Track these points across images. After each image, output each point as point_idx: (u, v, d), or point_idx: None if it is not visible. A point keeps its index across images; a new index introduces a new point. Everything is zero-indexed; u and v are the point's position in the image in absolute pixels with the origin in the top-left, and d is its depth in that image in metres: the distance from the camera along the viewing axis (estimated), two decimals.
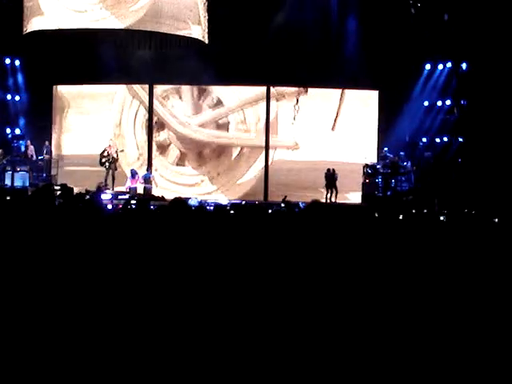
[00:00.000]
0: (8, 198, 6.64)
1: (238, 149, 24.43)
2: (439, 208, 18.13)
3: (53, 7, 21.56)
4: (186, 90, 24.62)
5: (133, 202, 14.80)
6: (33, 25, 22.15)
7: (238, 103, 24.38)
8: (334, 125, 24.15)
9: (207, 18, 22.83)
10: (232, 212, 7.21)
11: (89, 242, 5.50)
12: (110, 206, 17.26)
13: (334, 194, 22.64)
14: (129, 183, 22.86)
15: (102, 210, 7.60)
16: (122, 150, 23.80)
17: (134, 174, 23.02)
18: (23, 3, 22.30)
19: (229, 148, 24.48)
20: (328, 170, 22.72)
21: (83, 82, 24.24)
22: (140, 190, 22.61)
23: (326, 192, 22.62)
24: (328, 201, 22.23)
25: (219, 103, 24.50)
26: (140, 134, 24.74)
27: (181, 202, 6.16)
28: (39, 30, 22.22)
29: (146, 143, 24.59)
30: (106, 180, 22.83)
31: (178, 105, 24.63)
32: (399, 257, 5.71)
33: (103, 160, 22.92)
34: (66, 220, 5.82)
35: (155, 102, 24.52)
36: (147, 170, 23.53)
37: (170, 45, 22.09)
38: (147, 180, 23.07)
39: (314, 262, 5.30)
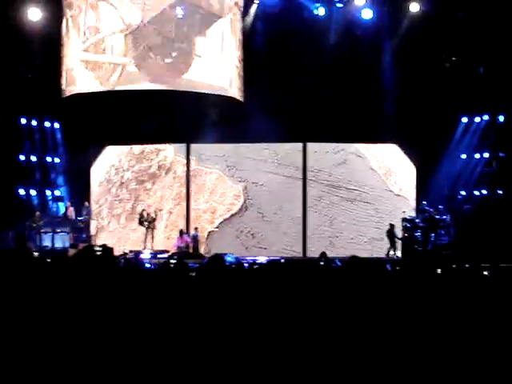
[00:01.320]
0: (49, 259, 6.67)
1: None
2: (480, 262, 17.90)
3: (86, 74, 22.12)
4: None
5: (172, 261, 14.82)
6: (71, 88, 22.63)
7: None
8: None
9: (243, 76, 23.20)
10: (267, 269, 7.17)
11: (129, 302, 5.52)
12: (148, 265, 17.29)
13: (392, 248, 22.65)
14: (177, 242, 23.02)
15: (141, 269, 7.63)
16: (161, 209, 23.92)
17: (182, 233, 23.19)
18: (61, 68, 22.81)
19: None
20: (390, 225, 22.82)
21: (121, 143, 24.52)
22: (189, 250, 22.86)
23: (388, 246, 22.68)
24: (389, 255, 22.32)
25: None
26: None
27: (218, 259, 6.18)
28: (76, 94, 22.70)
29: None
30: (145, 239, 22.99)
31: None
32: (442, 312, 5.64)
33: (142, 220, 23.10)
34: (107, 280, 5.84)
35: None
36: (195, 230, 23.60)
37: (207, 104, 22.44)
38: (195, 239, 23.20)
39: (356, 317, 5.26)
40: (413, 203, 23.87)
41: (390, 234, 22.79)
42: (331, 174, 23.96)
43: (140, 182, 24.64)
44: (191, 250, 22.93)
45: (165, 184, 24.52)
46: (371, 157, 24.10)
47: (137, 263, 10.98)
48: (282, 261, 14.44)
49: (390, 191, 24.00)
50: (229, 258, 19.93)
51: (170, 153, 24.60)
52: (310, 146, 23.98)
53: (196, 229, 23.62)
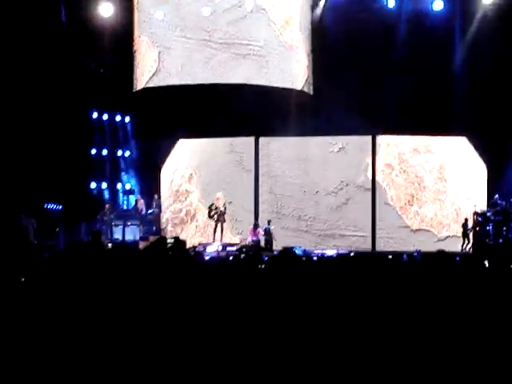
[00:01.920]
0: (121, 251, 6.75)
1: None
2: None
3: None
4: None
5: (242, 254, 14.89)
6: (142, 82, 22.90)
7: None
8: None
9: (311, 69, 23.15)
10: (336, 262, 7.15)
11: (200, 294, 5.55)
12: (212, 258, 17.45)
13: (466, 244, 22.37)
14: (250, 236, 23.01)
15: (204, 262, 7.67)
16: (231, 202, 23.93)
17: (255, 226, 23.15)
18: (133, 63, 23.10)
19: None
20: (464, 219, 22.59)
21: (191, 136, 24.64)
22: (262, 243, 22.82)
23: (462, 241, 22.45)
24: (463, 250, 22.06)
25: None
26: None
27: (288, 251, 6.19)
28: (148, 88, 22.94)
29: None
30: (214, 232, 23.10)
31: None
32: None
33: (212, 213, 23.16)
34: (178, 272, 5.88)
35: None
36: (268, 223, 23.53)
37: (276, 97, 22.45)
38: (268, 232, 23.16)
39: (430, 310, 5.24)
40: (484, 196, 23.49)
41: (464, 227, 22.54)
42: None
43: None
44: (263, 244, 22.81)
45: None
46: (440, 151, 23.90)
47: (199, 257, 11.02)
48: (352, 254, 14.37)
49: None
50: (297, 251, 19.94)
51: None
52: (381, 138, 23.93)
53: (269, 222, 23.50)
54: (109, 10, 23.80)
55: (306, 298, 5.47)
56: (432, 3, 23.62)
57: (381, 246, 23.28)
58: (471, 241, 22.35)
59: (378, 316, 5.22)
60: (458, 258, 6.71)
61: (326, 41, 23.55)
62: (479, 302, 5.52)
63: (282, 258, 6.20)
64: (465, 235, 22.44)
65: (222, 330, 5.15)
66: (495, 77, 22.59)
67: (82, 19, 23.21)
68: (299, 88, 23.21)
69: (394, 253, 14.60)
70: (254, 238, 22.77)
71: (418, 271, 6.19)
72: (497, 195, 22.77)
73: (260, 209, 24.33)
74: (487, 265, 7.39)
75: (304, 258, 7.51)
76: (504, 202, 22.35)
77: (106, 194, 25.31)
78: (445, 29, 23.52)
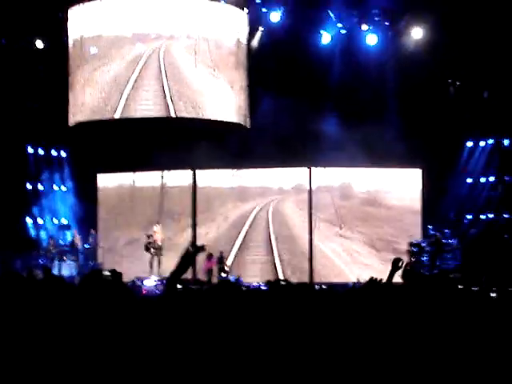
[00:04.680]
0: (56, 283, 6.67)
1: None
2: (487, 285, 17.85)
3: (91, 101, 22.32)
4: None
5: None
6: (77, 117, 22.77)
7: None
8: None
9: (248, 103, 23.32)
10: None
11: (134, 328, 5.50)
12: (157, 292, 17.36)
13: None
14: (205, 265, 22.78)
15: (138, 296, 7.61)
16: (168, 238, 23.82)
17: (210, 256, 22.84)
18: (68, 97, 22.99)
19: None
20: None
21: (125, 170, 24.55)
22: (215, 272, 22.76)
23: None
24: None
25: None
26: None
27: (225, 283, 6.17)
28: (84, 122, 22.83)
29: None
30: (150, 265, 22.93)
31: None
32: (449, 334, 5.64)
33: (149, 246, 23.04)
34: (116, 305, 5.82)
35: None
36: (220, 252, 23.25)
37: (212, 131, 22.52)
38: (221, 261, 22.95)
39: (364, 343, 5.27)
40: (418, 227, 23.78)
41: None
42: None
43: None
44: (217, 272, 22.70)
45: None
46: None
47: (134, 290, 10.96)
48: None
49: None
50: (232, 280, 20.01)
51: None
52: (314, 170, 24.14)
53: (221, 252, 23.27)
54: (43, 44, 23.76)
55: (249, 329, 5.47)
56: (365, 38, 24.02)
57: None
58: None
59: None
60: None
61: (262, 75, 23.78)
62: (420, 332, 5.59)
63: (217, 289, 6.18)
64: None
65: (161, 364, 5.11)
66: (428, 109, 23.00)
67: (16, 52, 23.12)
68: (236, 121, 23.33)
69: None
70: (209, 268, 22.63)
71: (352, 300, 6.23)
72: (430, 226, 23.10)
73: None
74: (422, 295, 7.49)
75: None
76: (438, 233, 22.67)
77: (42, 229, 25.03)
78: (378, 63, 23.92)
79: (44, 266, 16.39)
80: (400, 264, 7.12)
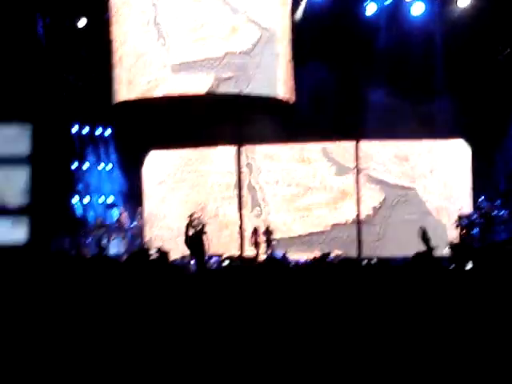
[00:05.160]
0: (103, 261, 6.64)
1: None
2: None
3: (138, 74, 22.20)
4: None
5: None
6: (120, 95, 22.74)
7: None
8: None
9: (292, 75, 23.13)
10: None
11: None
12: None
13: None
14: (250, 238, 22.72)
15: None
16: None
17: (255, 230, 22.72)
18: (111, 74, 22.96)
19: None
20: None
21: (174, 146, 24.43)
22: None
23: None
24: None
25: None
26: None
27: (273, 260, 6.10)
28: (128, 100, 22.80)
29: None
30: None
31: None
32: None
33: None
34: (162, 284, 5.76)
35: None
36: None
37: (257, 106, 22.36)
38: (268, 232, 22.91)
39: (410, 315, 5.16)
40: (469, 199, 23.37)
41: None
42: None
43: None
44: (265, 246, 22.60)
45: None
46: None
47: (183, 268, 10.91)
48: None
49: None
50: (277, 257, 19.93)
51: None
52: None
53: (268, 225, 23.19)
54: (85, 22, 23.76)
55: (294, 306, 5.37)
56: (410, 8, 23.73)
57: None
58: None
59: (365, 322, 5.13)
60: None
61: (306, 47, 23.55)
62: (464, 306, 5.46)
63: (267, 266, 6.10)
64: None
65: (211, 340, 5.04)
66: (477, 78, 22.66)
67: (59, 32, 23.15)
68: (281, 95, 23.11)
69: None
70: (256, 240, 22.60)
71: (400, 276, 6.12)
72: (482, 197, 22.74)
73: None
74: (469, 268, 7.31)
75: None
76: (489, 204, 22.31)
77: (88, 208, 25.16)
78: (425, 32, 23.61)
79: (100, 245, 16.46)
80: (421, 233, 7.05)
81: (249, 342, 4.99)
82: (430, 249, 6.91)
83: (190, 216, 22.62)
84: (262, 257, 21.99)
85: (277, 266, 6.00)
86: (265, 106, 22.96)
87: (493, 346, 5.03)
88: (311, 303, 5.35)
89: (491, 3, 22.75)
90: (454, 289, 5.79)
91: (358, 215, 23.39)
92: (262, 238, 22.68)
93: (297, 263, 13.74)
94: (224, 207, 24.23)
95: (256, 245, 22.59)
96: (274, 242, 22.77)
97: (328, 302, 5.38)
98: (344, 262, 6.17)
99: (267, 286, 5.66)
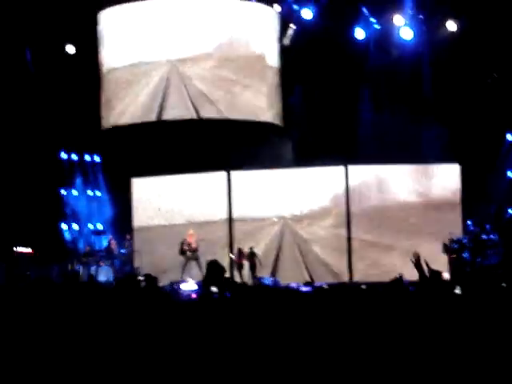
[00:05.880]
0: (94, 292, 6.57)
1: None
2: None
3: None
4: None
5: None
6: (109, 120, 22.73)
7: None
8: None
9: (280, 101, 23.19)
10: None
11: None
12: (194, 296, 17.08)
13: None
14: (235, 260, 22.62)
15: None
16: (202, 240, 23.57)
17: (239, 251, 22.67)
18: (100, 101, 23.00)
19: None
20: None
21: (160, 173, 24.34)
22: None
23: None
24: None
25: None
26: None
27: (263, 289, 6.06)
28: (117, 126, 22.81)
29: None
30: (183, 269, 22.61)
31: None
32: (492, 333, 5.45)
33: (183, 249, 22.75)
34: (150, 309, 5.70)
35: None
36: (250, 248, 23.08)
37: (246, 131, 22.39)
38: (250, 256, 22.79)
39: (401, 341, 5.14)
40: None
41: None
42: None
43: None
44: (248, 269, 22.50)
45: None
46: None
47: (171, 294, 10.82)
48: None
49: None
50: (267, 282, 19.83)
51: None
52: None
53: (251, 247, 23.04)
54: (73, 49, 23.89)
55: (282, 331, 5.32)
56: (399, 32, 23.84)
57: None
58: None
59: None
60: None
61: (294, 73, 23.66)
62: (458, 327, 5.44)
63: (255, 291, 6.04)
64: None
65: (200, 366, 4.98)
66: (466, 102, 22.76)
67: (47, 59, 23.20)
68: (269, 120, 23.15)
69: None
70: (240, 262, 22.50)
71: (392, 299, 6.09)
72: (469, 222, 22.71)
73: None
74: (459, 292, 7.28)
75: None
76: (478, 228, 22.29)
77: (77, 235, 25.11)
78: (414, 57, 23.74)
79: (74, 272, 16.36)
80: (415, 259, 7.06)
81: (239, 369, 4.93)
82: (423, 274, 6.89)
83: (181, 244, 22.59)
84: (247, 279, 21.95)
85: (285, 294, 5.96)
86: (252, 130, 23.00)
87: (483, 369, 5.00)
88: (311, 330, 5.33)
89: (479, 27, 22.85)
90: (447, 312, 5.77)
91: (348, 238, 23.35)
92: (245, 260, 22.63)
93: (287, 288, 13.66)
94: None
95: (239, 266, 22.53)
96: (258, 265, 22.67)
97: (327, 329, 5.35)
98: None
99: (273, 314, 5.63)
